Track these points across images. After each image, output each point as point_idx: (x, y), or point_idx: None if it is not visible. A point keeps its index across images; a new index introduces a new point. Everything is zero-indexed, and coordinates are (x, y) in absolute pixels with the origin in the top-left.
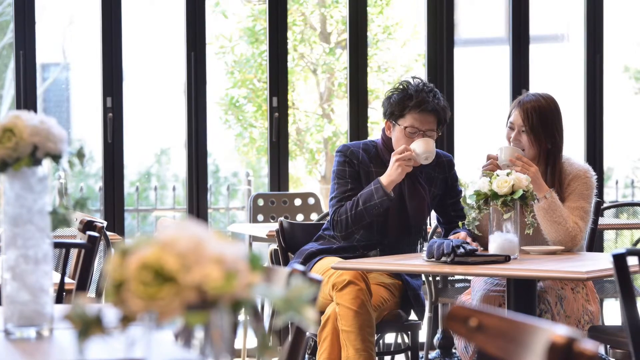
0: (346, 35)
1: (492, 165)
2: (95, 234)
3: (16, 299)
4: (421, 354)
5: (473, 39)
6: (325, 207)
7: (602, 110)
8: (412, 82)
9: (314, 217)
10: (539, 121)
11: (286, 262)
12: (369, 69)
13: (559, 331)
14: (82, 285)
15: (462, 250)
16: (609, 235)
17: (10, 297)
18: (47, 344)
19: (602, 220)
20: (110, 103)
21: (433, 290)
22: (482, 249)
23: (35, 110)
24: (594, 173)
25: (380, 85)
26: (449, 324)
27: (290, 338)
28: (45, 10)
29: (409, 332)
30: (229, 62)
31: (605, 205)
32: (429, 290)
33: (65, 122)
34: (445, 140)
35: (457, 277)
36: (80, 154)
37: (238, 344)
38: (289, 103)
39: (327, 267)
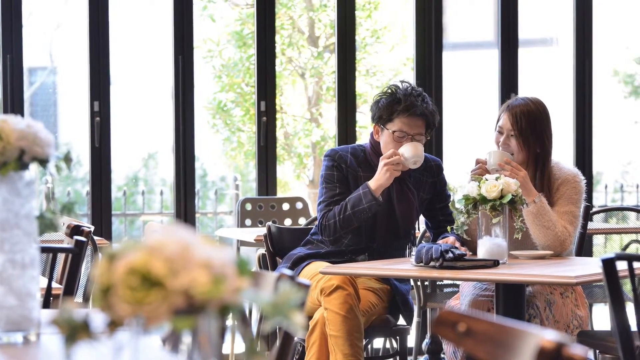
0: (334, 39)
1: (481, 170)
2: (83, 238)
3: (3, 303)
4: (410, 359)
5: (462, 42)
6: (314, 211)
7: (591, 114)
8: (400, 86)
9: (302, 221)
10: (528, 125)
11: (274, 267)
12: (357, 73)
13: (548, 336)
14: (70, 290)
15: (450, 254)
16: (598, 239)
17: None
18: (34, 349)
19: (591, 225)
20: (97, 107)
21: (422, 295)
22: (470, 253)
23: (22, 114)
24: (583, 177)
25: (368, 89)
26: (437, 329)
27: (278, 343)
28: (33, 14)
29: (398, 337)
30: (216, 66)
31: (594, 209)
32: (417, 295)
33: (53, 126)
34: (434, 145)
35: (445, 281)
36: (67, 158)
37: (226, 349)
38: (277, 107)
39: (316, 272)
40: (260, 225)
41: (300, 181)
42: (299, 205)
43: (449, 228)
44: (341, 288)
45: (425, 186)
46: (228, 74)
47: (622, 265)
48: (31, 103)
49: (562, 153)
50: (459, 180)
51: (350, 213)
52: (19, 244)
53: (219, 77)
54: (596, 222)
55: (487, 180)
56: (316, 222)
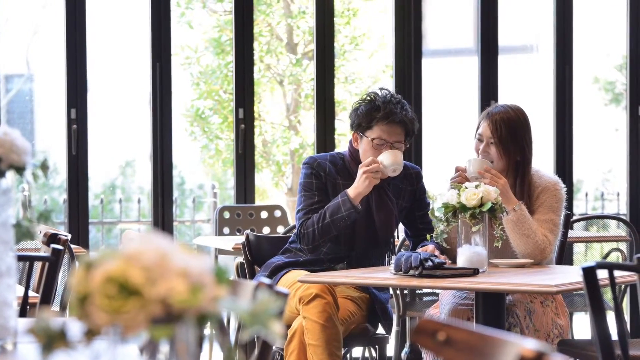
0: (313, 46)
1: (460, 178)
2: (60, 247)
3: None
4: None
5: (441, 49)
6: (292, 219)
7: (572, 121)
8: (379, 94)
9: (281, 229)
10: (508, 133)
11: (252, 276)
12: (336, 80)
13: (528, 345)
14: (46, 299)
15: (430, 263)
16: (578, 248)
17: None
18: (11, 358)
19: (571, 233)
20: (74, 114)
21: (401, 304)
22: (450, 262)
23: None
24: (563, 185)
25: (347, 97)
26: (416, 338)
27: (256, 352)
28: (9, 21)
29: (377, 346)
30: (194, 73)
31: (574, 217)
32: (396, 304)
33: (29, 133)
34: (413, 152)
35: (425, 290)
36: (44, 166)
37: (204, 358)
38: (255, 115)
39: (294, 281)
40: (238, 234)
41: (278, 189)
42: (278, 213)
43: (428, 236)
44: (320, 297)
45: (404, 194)
46: (206, 81)
47: (602, 274)
48: (8, 110)
49: (543, 161)
50: (438, 188)
51: (329, 221)
52: None
53: (196, 84)
54: (577, 231)
55: (466, 188)
56: (295, 231)
